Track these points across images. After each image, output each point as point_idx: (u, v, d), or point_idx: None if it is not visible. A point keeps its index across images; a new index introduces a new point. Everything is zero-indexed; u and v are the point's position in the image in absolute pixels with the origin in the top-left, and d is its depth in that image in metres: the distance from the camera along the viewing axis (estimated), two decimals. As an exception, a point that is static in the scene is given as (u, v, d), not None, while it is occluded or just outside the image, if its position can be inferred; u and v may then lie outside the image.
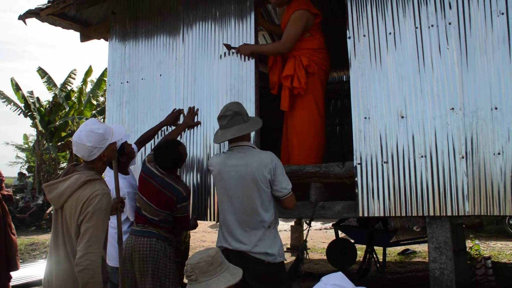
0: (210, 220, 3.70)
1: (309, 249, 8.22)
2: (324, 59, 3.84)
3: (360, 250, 6.84)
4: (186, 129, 3.88)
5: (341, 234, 6.70)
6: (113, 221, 3.04)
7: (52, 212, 2.52)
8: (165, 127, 3.99)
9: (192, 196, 3.69)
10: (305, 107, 3.77)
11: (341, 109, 5.86)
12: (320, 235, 10.46)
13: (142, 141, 3.86)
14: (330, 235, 8.94)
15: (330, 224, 8.22)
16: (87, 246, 2.12)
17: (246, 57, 3.72)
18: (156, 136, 4.00)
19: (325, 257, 6.85)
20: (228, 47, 3.77)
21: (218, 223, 3.15)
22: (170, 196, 3.05)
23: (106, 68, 15.08)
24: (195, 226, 3.57)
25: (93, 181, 2.26)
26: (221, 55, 3.85)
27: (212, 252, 2.13)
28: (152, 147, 3.83)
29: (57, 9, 4.44)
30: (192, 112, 3.88)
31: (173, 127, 3.94)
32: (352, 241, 6.39)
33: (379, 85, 3.22)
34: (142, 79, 4.26)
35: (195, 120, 3.88)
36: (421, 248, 7.95)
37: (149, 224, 3.07)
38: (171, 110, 4.00)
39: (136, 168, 4.03)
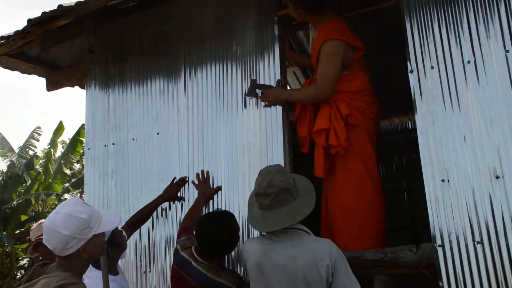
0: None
1: None
2: (371, 104, 3.87)
3: None
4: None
5: None
6: None
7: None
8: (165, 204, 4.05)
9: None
10: (350, 171, 3.78)
11: (408, 168, 5.85)
12: None
13: (133, 224, 3.88)
14: None
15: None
16: None
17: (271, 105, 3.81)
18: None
19: None
20: (254, 86, 3.85)
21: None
22: None
23: (82, 124, 15.49)
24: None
25: (68, 286, 2.24)
26: (239, 105, 3.96)
27: None
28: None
29: (14, 47, 4.54)
30: (204, 177, 3.95)
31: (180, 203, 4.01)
32: None
33: (459, 133, 3.21)
34: (134, 139, 4.36)
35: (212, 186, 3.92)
36: None
37: None
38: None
39: (124, 262, 4.05)
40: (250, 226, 3.64)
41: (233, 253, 3.66)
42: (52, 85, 5.32)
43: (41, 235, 3.89)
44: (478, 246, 3.05)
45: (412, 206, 5.68)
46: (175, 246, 3.49)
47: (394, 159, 6.02)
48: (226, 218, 3.24)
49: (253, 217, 2.99)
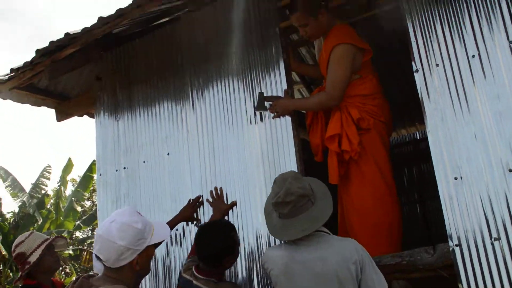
0: None
1: None
2: (382, 107, 3.88)
3: None
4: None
5: None
6: None
7: None
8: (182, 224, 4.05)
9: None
10: (364, 176, 3.76)
11: (420, 179, 5.85)
12: None
13: None
14: None
15: None
16: None
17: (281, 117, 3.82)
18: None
19: None
20: (263, 99, 3.87)
21: None
22: None
23: (93, 161, 15.51)
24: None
25: None
26: (248, 119, 3.99)
27: None
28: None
29: (24, 80, 4.55)
30: (218, 194, 3.95)
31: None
32: None
33: (469, 129, 3.22)
34: (144, 162, 4.41)
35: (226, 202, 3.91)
36: None
37: None
38: (186, 199, 4.08)
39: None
40: (271, 236, 3.60)
41: (245, 270, 3.68)
42: (61, 115, 5.38)
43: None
44: (496, 243, 3.02)
45: (425, 217, 5.67)
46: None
47: (404, 171, 6.01)
48: (224, 226, 3.24)
49: (273, 226, 2.94)
